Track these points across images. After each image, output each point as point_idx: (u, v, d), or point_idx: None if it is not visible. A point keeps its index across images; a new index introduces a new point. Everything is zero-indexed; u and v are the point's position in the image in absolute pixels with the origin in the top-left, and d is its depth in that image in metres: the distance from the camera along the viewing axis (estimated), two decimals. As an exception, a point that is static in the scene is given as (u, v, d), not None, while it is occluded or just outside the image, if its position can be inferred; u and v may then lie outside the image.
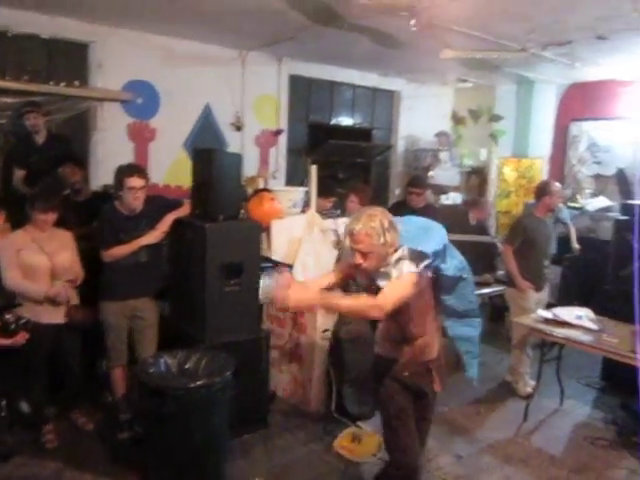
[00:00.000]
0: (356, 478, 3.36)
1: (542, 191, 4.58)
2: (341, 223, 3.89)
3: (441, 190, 7.05)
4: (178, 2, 4.16)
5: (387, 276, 2.40)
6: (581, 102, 6.92)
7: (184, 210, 3.66)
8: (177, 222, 3.63)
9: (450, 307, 2.78)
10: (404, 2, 3.69)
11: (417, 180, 5.21)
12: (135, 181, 3.37)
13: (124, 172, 3.40)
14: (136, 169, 3.47)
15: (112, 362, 3.68)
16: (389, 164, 7.55)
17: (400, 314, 2.43)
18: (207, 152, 3.59)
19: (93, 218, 3.78)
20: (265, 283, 2.35)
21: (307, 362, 4.07)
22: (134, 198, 3.41)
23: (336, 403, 3.93)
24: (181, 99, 5.53)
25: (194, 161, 3.65)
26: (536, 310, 4.34)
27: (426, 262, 2.41)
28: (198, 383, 2.91)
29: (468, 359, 2.91)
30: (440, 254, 2.49)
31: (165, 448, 2.91)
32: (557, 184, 4.69)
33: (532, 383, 4.48)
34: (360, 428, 3.76)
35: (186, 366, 3.15)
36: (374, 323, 2.80)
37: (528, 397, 4.33)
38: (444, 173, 6.90)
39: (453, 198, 7.11)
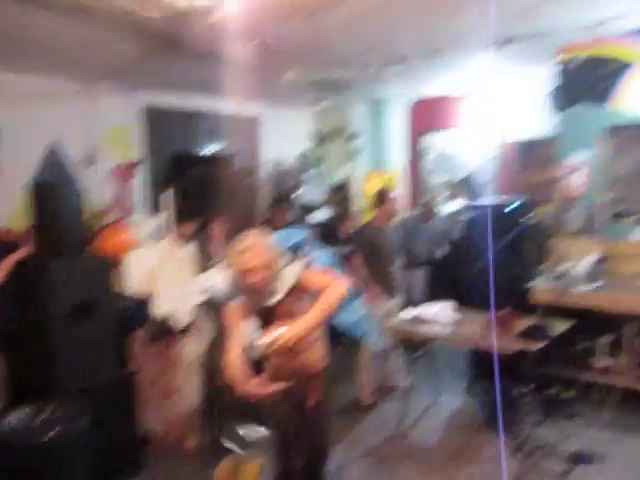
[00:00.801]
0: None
1: (380, 199, 4.72)
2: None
3: (309, 209, 7.20)
4: (13, 37, 3.90)
5: (275, 292, 2.43)
6: (427, 116, 7.47)
7: (25, 251, 3.38)
8: (17, 264, 3.34)
9: None
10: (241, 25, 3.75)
11: (278, 199, 5.29)
12: None
13: None
14: None
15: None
16: (254, 189, 7.58)
17: (291, 319, 2.40)
18: (42, 187, 3.36)
19: None
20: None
21: (181, 397, 3.89)
22: None
23: (217, 432, 3.79)
24: (25, 136, 5.15)
25: (30, 197, 3.39)
26: (388, 317, 4.47)
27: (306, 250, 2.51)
28: (51, 434, 2.67)
29: (370, 335, 3.01)
30: (305, 245, 2.60)
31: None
32: (393, 193, 4.86)
33: (394, 389, 4.64)
34: (243, 454, 3.65)
35: (38, 419, 2.87)
36: None
37: (372, 405, 4.52)
38: (308, 192, 7.07)
39: (322, 214, 7.28)
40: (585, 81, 4.91)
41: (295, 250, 2.55)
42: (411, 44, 4.61)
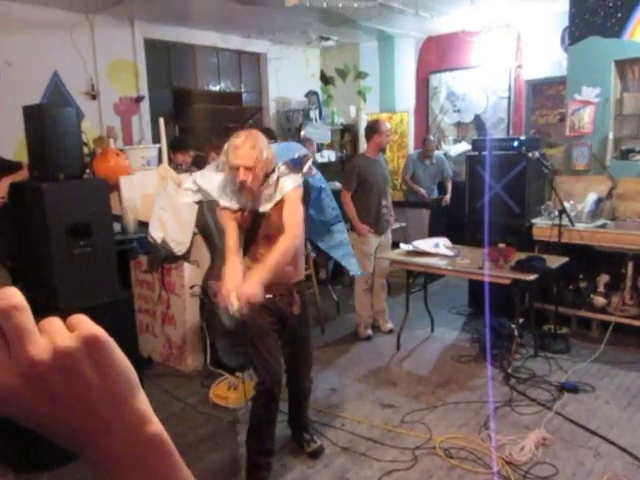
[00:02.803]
0: (232, 424, 3.37)
1: (371, 130, 4.54)
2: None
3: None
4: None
5: (270, 198, 2.46)
6: (437, 54, 7.25)
7: (23, 174, 3.43)
8: (15, 187, 3.39)
9: (316, 221, 2.92)
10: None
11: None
12: None
13: None
14: None
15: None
16: (262, 126, 7.51)
17: (276, 235, 2.45)
18: (37, 108, 3.36)
19: None
20: (226, 310, 2.25)
21: (179, 322, 4.00)
22: None
23: (211, 357, 3.91)
24: (24, 67, 5.12)
25: (25, 120, 3.40)
26: (378, 254, 4.48)
27: (307, 165, 2.53)
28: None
29: (347, 260, 3.08)
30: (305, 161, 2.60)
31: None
32: (387, 124, 4.69)
33: (389, 326, 4.73)
34: (237, 377, 3.77)
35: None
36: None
37: (368, 339, 4.58)
38: (316, 131, 6.98)
39: (328, 155, 7.24)
40: (598, 13, 4.71)
41: (296, 164, 2.56)
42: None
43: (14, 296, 0.40)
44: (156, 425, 0.42)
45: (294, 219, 2.45)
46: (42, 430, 0.40)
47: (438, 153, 6.66)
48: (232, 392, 3.55)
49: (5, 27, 4.99)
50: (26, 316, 0.39)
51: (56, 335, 0.39)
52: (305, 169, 2.58)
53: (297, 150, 2.68)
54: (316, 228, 3.07)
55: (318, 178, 2.87)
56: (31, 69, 5.18)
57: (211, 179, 2.55)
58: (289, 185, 2.49)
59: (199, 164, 4.41)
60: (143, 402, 0.42)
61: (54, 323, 0.41)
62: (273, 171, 2.50)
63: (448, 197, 6.39)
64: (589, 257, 4.50)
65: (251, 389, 3.59)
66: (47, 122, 3.23)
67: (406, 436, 3.14)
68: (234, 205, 2.51)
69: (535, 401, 3.48)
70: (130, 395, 0.41)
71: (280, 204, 2.49)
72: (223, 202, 2.49)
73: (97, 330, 0.41)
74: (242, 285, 2.26)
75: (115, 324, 3.52)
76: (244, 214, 2.54)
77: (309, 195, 2.81)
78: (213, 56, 6.91)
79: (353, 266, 3.08)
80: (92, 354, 0.40)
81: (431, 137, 6.69)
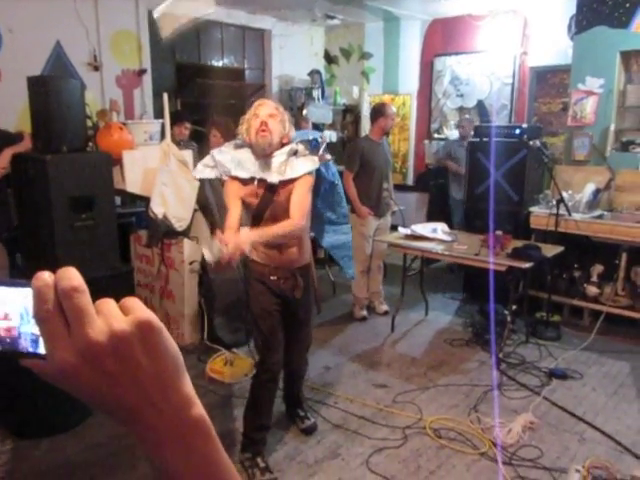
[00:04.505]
0: (228, 398, 3.44)
1: (377, 113, 4.54)
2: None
3: (318, 129, 7.13)
4: None
5: (281, 171, 2.50)
6: (442, 37, 7.20)
7: (25, 145, 3.44)
8: (18, 158, 3.41)
9: (323, 215, 2.96)
10: None
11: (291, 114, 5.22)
12: None
13: None
14: None
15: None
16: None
17: (282, 216, 2.50)
18: (42, 79, 3.37)
19: None
20: (211, 251, 2.31)
21: (178, 297, 4.05)
22: None
23: (209, 332, 3.97)
24: (27, 36, 5.07)
25: (29, 91, 3.39)
26: (376, 237, 4.51)
27: (323, 147, 2.59)
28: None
29: (346, 262, 3.13)
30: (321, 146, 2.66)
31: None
32: (392, 107, 4.69)
33: (384, 307, 4.80)
34: (233, 353, 3.84)
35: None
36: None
37: (362, 319, 4.65)
38: (317, 111, 6.96)
39: (329, 136, 7.21)
40: (606, 2, 4.69)
41: (313, 146, 2.60)
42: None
43: (74, 277, 0.43)
44: (199, 408, 0.46)
45: (301, 209, 2.49)
46: (97, 406, 0.44)
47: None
48: (228, 367, 3.62)
49: (8, -6, 4.93)
50: (85, 298, 0.42)
51: (112, 318, 0.43)
52: (321, 151, 2.61)
53: (312, 135, 2.76)
54: (321, 223, 3.08)
55: (332, 172, 2.88)
56: (33, 38, 5.13)
57: (229, 154, 2.59)
58: (303, 168, 2.53)
59: (199, 140, 4.41)
60: (188, 385, 0.46)
61: (110, 305, 0.44)
62: (289, 143, 2.55)
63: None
64: (584, 247, 4.55)
65: (246, 365, 3.68)
66: (51, 94, 3.24)
67: (397, 416, 3.22)
68: (246, 174, 2.54)
69: (524, 386, 3.56)
70: (177, 378, 0.45)
71: (290, 185, 2.52)
72: (235, 172, 2.52)
73: (150, 315, 0.44)
74: (236, 235, 2.34)
75: (115, 297, 3.59)
76: (254, 186, 2.56)
77: (319, 186, 2.83)
78: (217, 31, 6.84)
79: (350, 269, 3.16)
80: (144, 338, 0.43)
81: (467, 116, 6.56)
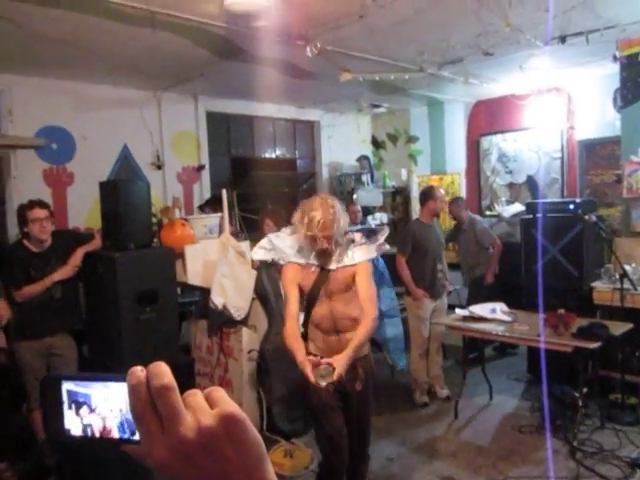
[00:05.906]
0: (289, 492, 3.36)
1: (426, 196, 4.62)
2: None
3: (368, 212, 7.28)
4: (81, 48, 4.25)
5: (339, 260, 2.57)
6: (487, 117, 7.36)
7: (95, 243, 3.67)
8: (89, 256, 3.64)
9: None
10: (295, 29, 3.92)
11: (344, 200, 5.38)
12: (37, 212, 3.39)
13: (24, 207, 3.43)
14: (35, 202, 3.49)
15: (32, 404, 3.58)
16: (315, 190, 7.74)
17: (336, 293, 2.56)
18: (112, 183, 3.65)
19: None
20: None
21: (236, 386, 4.06)
22: (40, 229, 3.41)
23: (267, 422, 3.93)
24: (98, 142, 5.56)
25: (101, 194, 3.68)
26: (433, 319, 4.44)
27: (382, 237, 2.64)
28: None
29: (397, 355, 3.10)
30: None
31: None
32: (441, 190, 4.77)
33: (445, 392, 4.64)
34: (292, 444, 3.77)
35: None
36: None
37: (424, 405, 4.49)
38: (367, 194, 7.14)
39: (380, 218, 7.34)
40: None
41: (370, 234, 2.67)
42: (465, 44, 4.61)
43: (165, 374, 0.47)
44: None
45: (372, 299, 2.53)
46: None
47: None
48: (288, 459, 3.54)
49: (83, 105, 5.46)
50: (175, 395, 0.47)
51: (200, 412, 0.46)
52: (381, 239, 2.66)
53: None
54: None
55: (382, 264, 2.95)
56: (104, 143, 5.62)
57: (284, 240, 2.68)
58: (361, 256, 2.59)
59: (251, 229, 4.57)
60: (270, 472, 0.48)
61: (197, 397, 0.48)
62: (346, 234, 2.62)
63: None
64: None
65: (307, 457, 3.59)
66: (121, 196, 3.49)
67: (467, 512, 3.03)
68: (304, 261, 2.61)
69: (605, 478, 3.30)
70: (261, 466, 0.47)
71: (347, 269, 2.57)
72: (294, 259, 2.60)
73: (234, 408, 0.47)
74: (339, 359, 2.33)
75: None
76: (310, 271, 2.61)
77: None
78: (269, 125, 7.27)
79: (402, 361, 3.12)
80: (230, 431, 0.46)
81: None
